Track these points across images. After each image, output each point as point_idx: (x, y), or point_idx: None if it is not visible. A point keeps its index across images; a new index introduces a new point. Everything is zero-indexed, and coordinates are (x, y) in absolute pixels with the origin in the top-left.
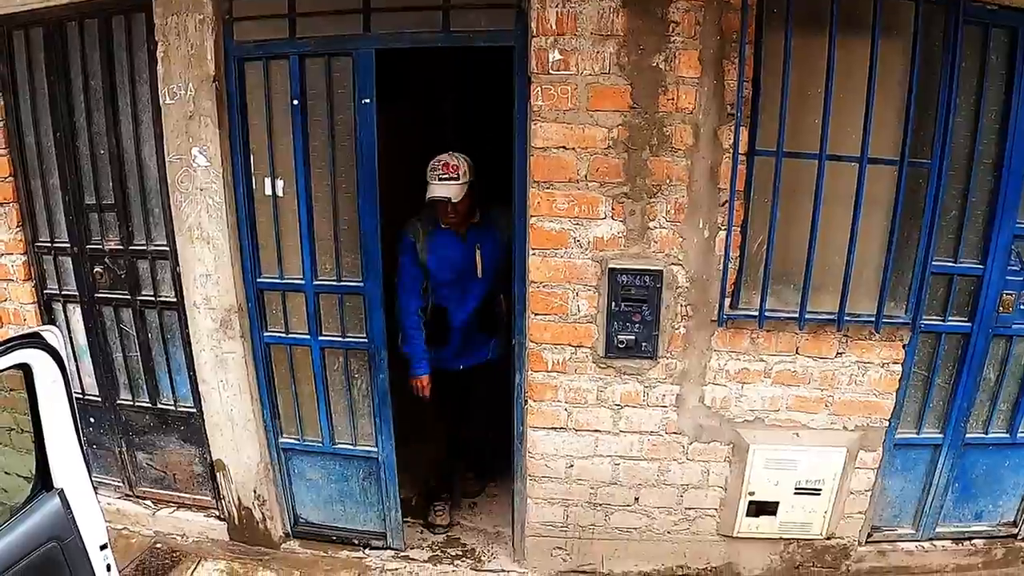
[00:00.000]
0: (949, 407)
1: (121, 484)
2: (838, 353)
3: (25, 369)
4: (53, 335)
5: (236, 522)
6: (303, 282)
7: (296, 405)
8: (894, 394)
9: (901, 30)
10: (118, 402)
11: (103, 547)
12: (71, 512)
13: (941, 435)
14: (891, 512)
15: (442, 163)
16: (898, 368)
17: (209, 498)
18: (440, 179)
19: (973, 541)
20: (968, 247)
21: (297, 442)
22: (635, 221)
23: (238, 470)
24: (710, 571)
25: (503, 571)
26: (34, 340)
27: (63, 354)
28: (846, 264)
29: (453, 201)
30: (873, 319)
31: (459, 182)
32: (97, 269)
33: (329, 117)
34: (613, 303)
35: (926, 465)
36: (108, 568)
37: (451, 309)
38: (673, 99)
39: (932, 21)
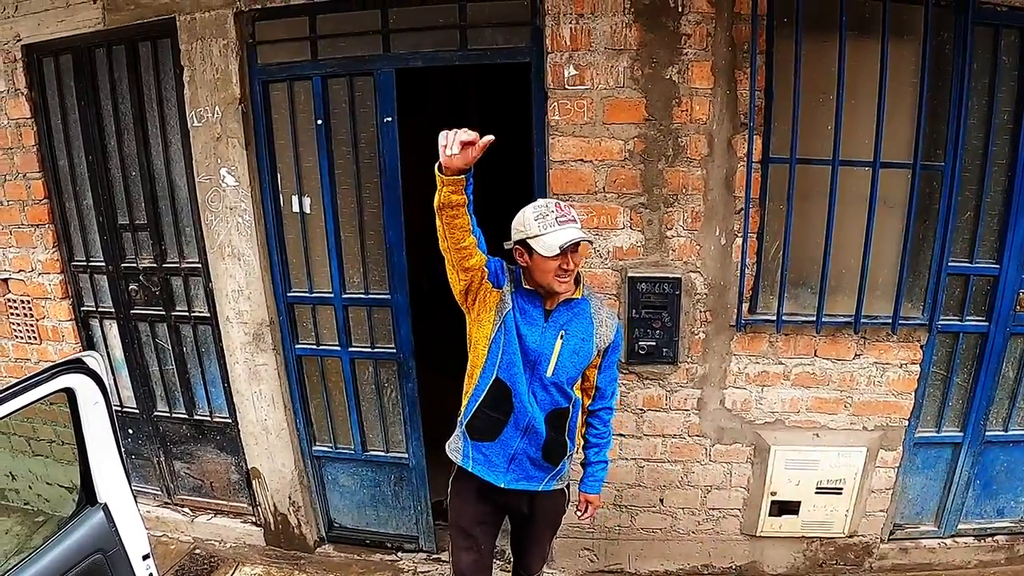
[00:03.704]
0: (968, 405)
1: (160, 492)
2: (856, 355)
3: (69, 393)
4: (94, 360)
5: (272, 528)
6: (332, 295)
7: (328, 414)
8: (913, 394)
9: (911, 33)
10: (155, 414)
11: (145, 557)
12: (114, 525)
13: (961, 433)
14: (913, 510)
15: (552, 203)
16: (916, 368)
17: (245, 505)
18: (560, 220)
19: (995, 537)
20: (984, 247)
21: (330, 450)
22: (653, 230)
23: (273, 478)
24: (734, 570)
25: None
26: (77, 365)
27: (104, 378)
28: (862, 267)
29: (575, 247)
30: (890, 320)
31: (578, 227)
32: (132, 286)
33: (352, 135)
34: (634, 310)
35: (947, 463)
36: None
37: (517, 396)
38: (687, 110)
39: (942, 23)
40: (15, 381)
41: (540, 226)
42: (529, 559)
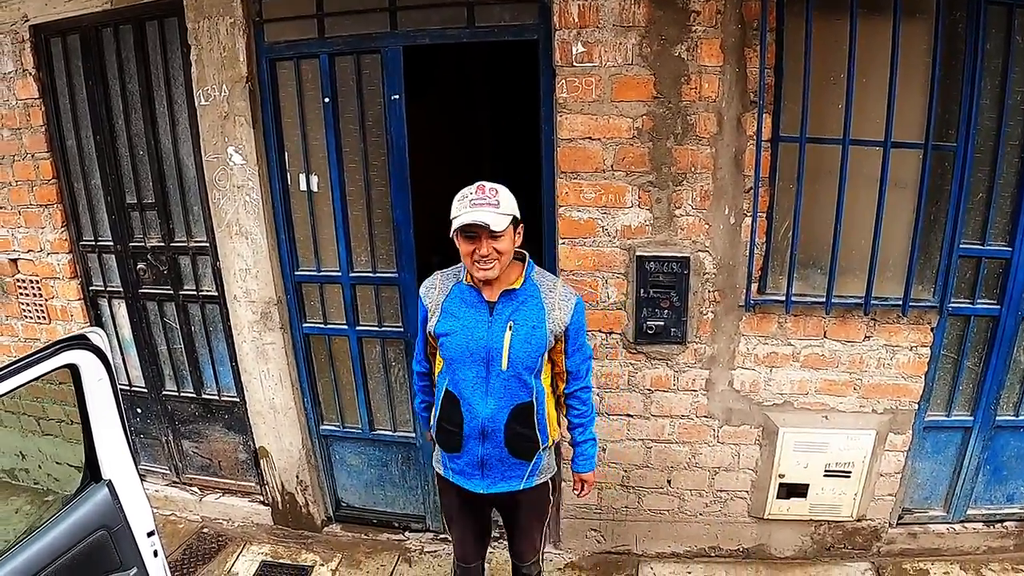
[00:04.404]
0: (979, 390)
1: (168, 472)
2: (866, 337)
3: (72, 369)
4: (98, 336)
5: (280, 507)
6: (339, 274)
7: (336, 393)
8: (923, 377)
9: (923, 12)
10: (164, 393)
11: (150, 534)
12: (119, 501)
13: (971, 417)
14: (922, 494)
15: (476, 185)
16: (926, 351)
17: (253, 484)
18: (474, 203)
19: (1005, 523)
20: (996, 229)
21: (337, 429)
22: (661, 209)
23: (281, 457)
24: (741, 552)
25: None
26: (80, 341)
27: (108, 354)
28: (872, 248)
29: (493, 230)
30: (900, 303)
31: (499, 210)
32: (140, 266)
33: (360, 113)
34: (642, 290)
35: (956, 447)
36: (155, 554)
37: (464, 402)
38: (696, 88)
39: (954, 2)
40: (19, 357)
41: (457, 207)
42: (518, 548)
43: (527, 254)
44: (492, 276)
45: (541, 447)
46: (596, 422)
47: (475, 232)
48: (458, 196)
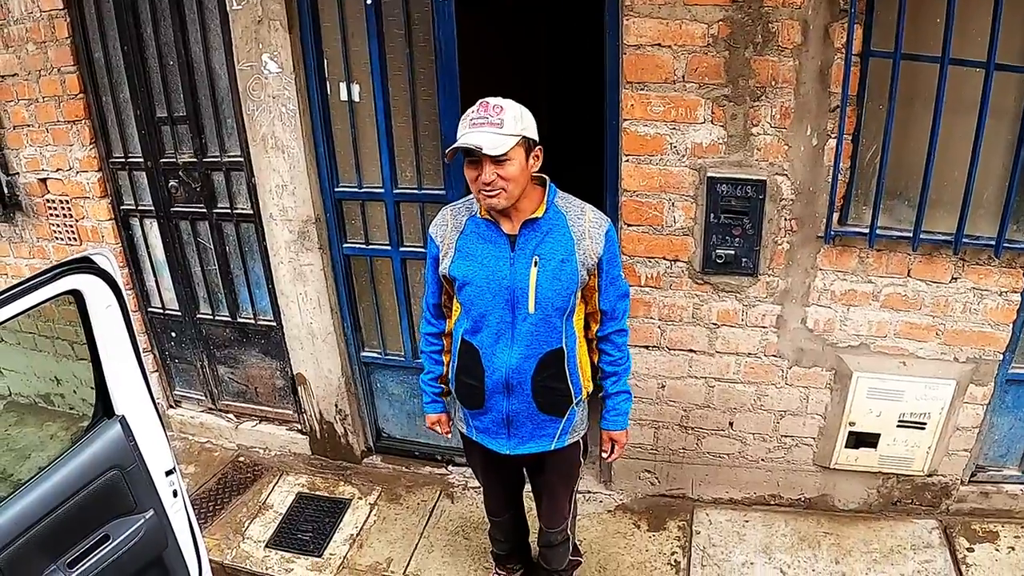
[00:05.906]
0: None
1: (204, 398)
2: (953, 278)
3: (76, 295)
4: (105, 258)
5: (317, 436)
6: (383, 191)
7: (377, 318)
8: (1010, 326)
9: None
10: (198, 316)
11: (169, 472)
12: (133, 439)
13: None
14: (997, 452)
15: (480, 103)
16: (1017, 298)
17: (291, 412)
18: (473, 123)
19: None
20: None
21: (379, 356)
22: (736, 126)
23: (319, 384)
24: (803, 502)
25: (590, 492)
26: (84, 265)
27: (117, 278)
28: (967, 181)
29: (491, 156)
30: (993, 243)
31: (502, 131)
32: (172, 183)
33: (405, 17)
34: (712, 215)
35: None
36: (175, 494)
37: (485, 352)
38: None
39: None
40: (13, 283)
41: (460, 128)
42: (545, 513)
43: (547, 178)
44: (499, 206)
45: (574, 401)
46: (632, 370)
47: (476, 156)
48: (464, 115)
